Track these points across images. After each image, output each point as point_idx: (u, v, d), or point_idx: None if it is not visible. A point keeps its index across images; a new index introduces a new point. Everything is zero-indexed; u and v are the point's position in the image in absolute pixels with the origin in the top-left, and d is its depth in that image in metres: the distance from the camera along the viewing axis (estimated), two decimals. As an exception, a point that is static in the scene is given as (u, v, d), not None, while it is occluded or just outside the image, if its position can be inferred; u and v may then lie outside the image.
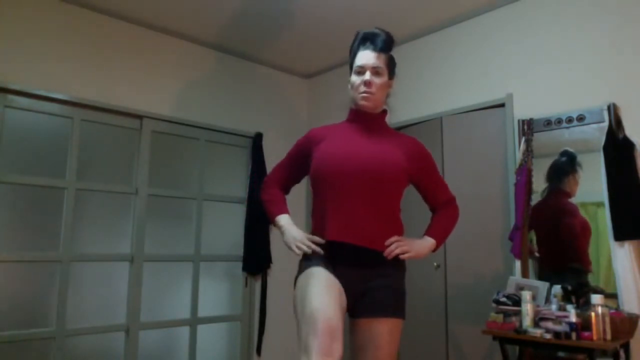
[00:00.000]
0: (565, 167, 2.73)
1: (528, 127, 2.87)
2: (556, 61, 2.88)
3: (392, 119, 3.73)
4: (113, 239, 3.28)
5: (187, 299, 3.57)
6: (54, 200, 3.05)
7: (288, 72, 4.35)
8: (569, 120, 2.74)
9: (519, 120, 2.94)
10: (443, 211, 1.89)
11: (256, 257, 3.82)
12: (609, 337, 2.13)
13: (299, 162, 1.90)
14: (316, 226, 1.77)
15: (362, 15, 3.29)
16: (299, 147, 1.91)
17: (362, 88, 1.76)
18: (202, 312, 3.62)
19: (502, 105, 3.09)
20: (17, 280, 2.90)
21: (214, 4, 3.21)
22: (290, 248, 1.77)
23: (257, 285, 3.90)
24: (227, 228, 3.86)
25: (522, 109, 2.97)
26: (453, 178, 3.28)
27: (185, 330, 3.54)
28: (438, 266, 3.27)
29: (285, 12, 3.30)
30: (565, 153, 2.73)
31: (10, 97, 2.94)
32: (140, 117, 3.43)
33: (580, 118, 2.70)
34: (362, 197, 1.67)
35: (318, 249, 1.70)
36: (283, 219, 1.86)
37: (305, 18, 3.37)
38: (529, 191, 2.82)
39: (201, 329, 3.62)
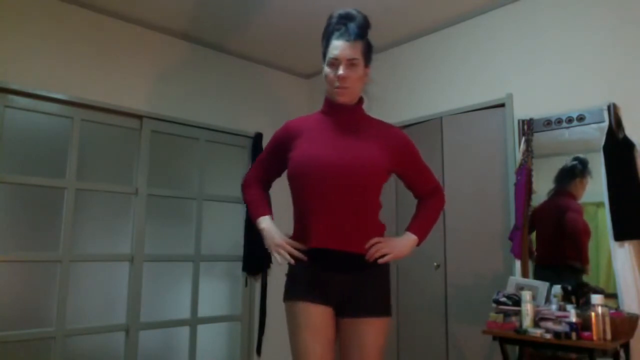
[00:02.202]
0: (575, 171, 2.73)
1: (528, 127, 2.87)
2: (556, 61, 2.88)
3: (393, 119, 3.73)
4: (113, 239, 3.28)
5: (187, 299, 3.57)
6: (54, 200, 3.05)
7: (288, 72, 4.35)
8: (569, 120, 2.74)
9: (519, 120, 2.94)
10: (427, 201, 1.84)
11: (256, 257, 3.82)
12: (609, 337, 2.12)
13: (278, 157, 1.82)
14: (298, 231, 1.74)
15: (362, 15, 3.29)
16: (276, 141, 1.84)
17: (337, 83, 1.67)
18: (202, 312, 3.62)
19: (502, 105, 3.09)
20: (17, 280, 2.90)
21: (214, 3, 3.21)
22: (271, 254, 1.75)
23: (257, 285, 3.90)
24: (227, 228, 3.86)
25: (522, 109, 2.97)
26: (453, 178, 3.28)
27: (185, 330, 3.54)
28: (438, 266, 3.27)
29: (286, 12, 3.30)
30: (577, 158, 2.74)
31: (10, 97, 2.94)
32: (140, 117, 3.43)
33: (580, 118, 2.70)
34: (341, 200, 1.64)
35: (300, 256, 1.68)
36: (264, 222, 1.80)
37: (305, 18, 3.37)
38: (529, 191, 2.82)
39: (201, 329, 3.62)
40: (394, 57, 3.80)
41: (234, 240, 3.86)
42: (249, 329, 3.84)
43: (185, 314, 3.54)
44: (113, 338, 3.21)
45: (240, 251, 3.86)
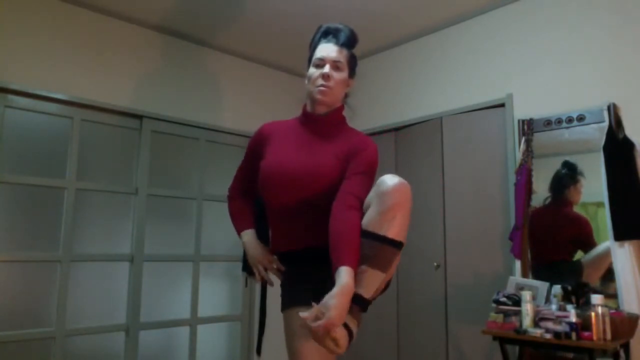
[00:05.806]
0: (565, 179, 2.74)
1: (528, 127, 2.87)
2: (556, 61, 2.88)
3: (393, 119, 3.74)
4: (113, 239, 3.28)
5: (187, 299, 3.56)
6: (54, 200, 3.05)
7: (289, 72, 4.35)
8: (569, 120, 2.74)
9: (519, 120, 2.94)
10: (340, 220, 1.46)
11: (256, 257, 3.82)
12: (609, 337, 2.13)
13: (255, 164, 1.78)
14: (271, 238, 1.83)
15: (363, 16, 3.29)
16: (250, 148, 1.82)
17: (320, 81, 1.66)
18: (202, 312, 3.62)
19: (502, 105, 3.09)
20: (17, 280, 2.90)
21: (214, 3, 3.21)
22: (253, 269, 1.84)
23: (257, 285, 3.89)
24: (227, 228, 3.83)
25: (522, 109, 2.97)
26: (453, 178, 3.28)
27: (185, 330, 3.54)
28: (438, 266, 3.27)
29: (287, 13, 3.30)
30: (565, 164, 2.74)
31: (10, 97, 2.94)
32: (140, 117, 3.43)
33: (580, 118, 2.70)
34: (295, 208, 1.63)
35: (276, 271, 1.82)
36: (245, 235, 1.88)
37: (306, 19, 3.37)
38: (529, 191, 2.82)
39: (201, 329, 3.61)
40: (395, 57, 3.80)
41: (234, 240, 3.85)
42: (249, 329, 3.84)
43: (185, 314, 3.54)
44: (113, 338, 3.21)
45: (240, 251, 3.83)
